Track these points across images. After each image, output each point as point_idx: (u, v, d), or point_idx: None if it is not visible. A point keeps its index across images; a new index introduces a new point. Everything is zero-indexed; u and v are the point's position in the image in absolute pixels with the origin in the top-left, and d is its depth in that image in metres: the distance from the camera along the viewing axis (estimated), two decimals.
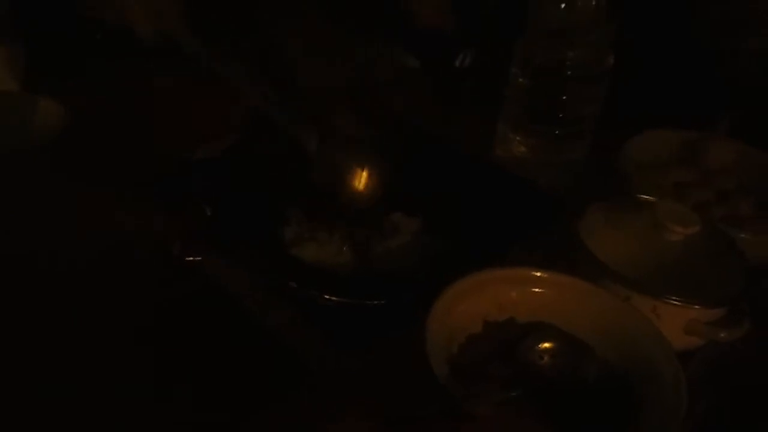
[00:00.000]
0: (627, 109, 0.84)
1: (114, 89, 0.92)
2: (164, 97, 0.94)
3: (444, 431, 0.51)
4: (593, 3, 0.78)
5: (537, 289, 0.59)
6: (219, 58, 0.76)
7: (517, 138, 0.86)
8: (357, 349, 0.61)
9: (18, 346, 0.58)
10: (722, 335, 0.59)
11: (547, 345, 0.56)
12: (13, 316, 0.61)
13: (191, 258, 0.59)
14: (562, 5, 0.79)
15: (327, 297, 0.67)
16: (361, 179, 0.75)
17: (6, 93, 0.89)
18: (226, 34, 0.94)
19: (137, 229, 0.71)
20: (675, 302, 0.58)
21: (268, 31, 0.94)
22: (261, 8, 0.95)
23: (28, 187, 0.74)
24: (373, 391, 0.58)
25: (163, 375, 0.58)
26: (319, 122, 0.86)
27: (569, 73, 0.80)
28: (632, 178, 0.75)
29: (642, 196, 0.69)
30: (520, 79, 0.83)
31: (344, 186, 0.74)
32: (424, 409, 0.52)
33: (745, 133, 0.87)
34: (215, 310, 0.62)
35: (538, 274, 0.59)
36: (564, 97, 0.81)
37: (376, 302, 0.68)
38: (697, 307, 0.59)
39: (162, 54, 0.82)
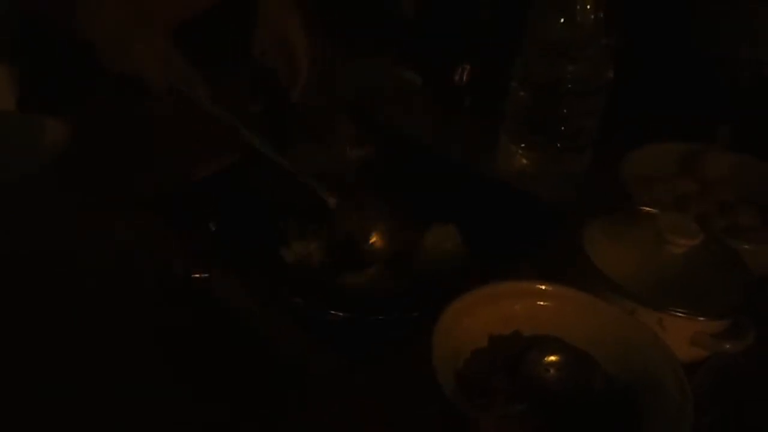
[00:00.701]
0: (627, 117, 0.85)
1: (113, 107, 0.93)
2: (165, 115, 0.94)
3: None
4: (592, 17, 0.79)
5: (542, 303, 0.59)
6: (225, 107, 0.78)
7: (519, 151, 0.86)
8: (357, 357, 0.62)
9: (24, 355, 0.59)
10: (727, 347, 0.59)
11: (552, 358, 0.56)
12: (22, 328, 0.61)
13: (198, 275, 0.59)
14: (561, 20, 0.79)
15: (333, 313, 0.68)
16: (375, 239, 0.77)
17: (7, 113, 0.89)
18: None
19: (140, 246, 0.71)
20: (680, 314, 0.59)
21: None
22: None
23: (34, 206, 0.75)
24: (373, 392, 0.58)
25: (165, 377, 0.58)
26: (320, 137, 0.87)
27: (569, 86, 0.81)
28: (633, 191, 0.76)
29: (644, 208, 0.69)
30: (521, 93, 0.84)
31: (361, 244, 0.77)
32: (425, 410, 0.52)
33: (746, 141, 0.87)
34: (218, 316, 0.62)
35: (543, 287, 0.59)
36: (564, 111, 0.82)
37: (380, 317, 0.68)
38: (702, 319, 0.59)
39: None
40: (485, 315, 0.58)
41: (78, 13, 0.77)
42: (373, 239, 0.76)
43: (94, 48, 0.76)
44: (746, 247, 0.68)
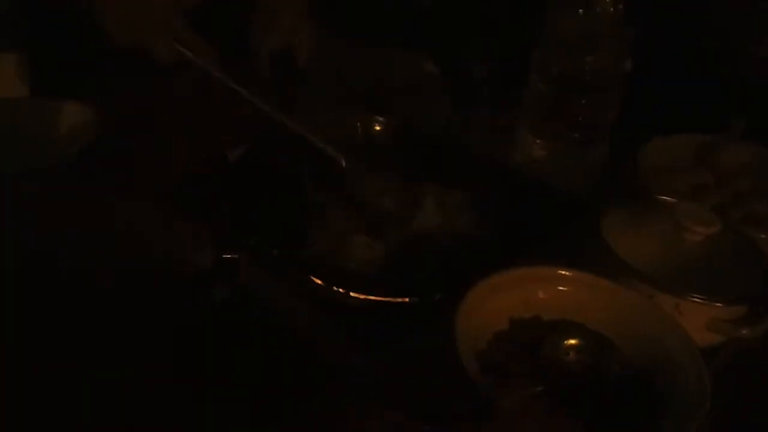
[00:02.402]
0: (645, 109, 0.86)
1: (125, 93, 0.93)
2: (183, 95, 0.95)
3: (469, 427, 0.52)
4: (611, 9, 0.79)
5: (562, 288, 0.60)
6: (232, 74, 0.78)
7: (537, 142, 0.87)
8: (383, 349, 0.62)
9: (47, 357, 0.59)
10: (744, 332, 0.60)
11: (572, 342, 0.57)
12: (36, 322, 0.62)
13: (228, 255, 0.60)
14: (581, 11, 0.80)
15: (353, 295, 0.69)
16: (388, 203, 0.78)
17: (23, 99, 0.90)
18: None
19: (162, 232, 0.72)
20: (697, 300, 0.60)
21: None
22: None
23: (54, 193, 0.75)
24: (400, 388, 0.59)
25: (193, 378, 0.58)
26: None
27: (587, 78, 0.82)
28: (650, 181, 0.77)
29: (662, 197, 0.70)
30: (539, 85, 0.85)
31: (372, 209, 0.77)
32: (454, 406, 0.53)
33: (759, 135, 0.88)
34: (245, 315, 0.63)
35: (564, 272, 0.60)
36: (582, 102, 0.83)
37: (400, 300, 0.69)
38: (719, 304, 0.60)
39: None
40: (507, 299, 0.59)
41: None
42: (385, 200, 0.77)
43: (103, 26, 0.77)
44: (762, 236, 0.69)
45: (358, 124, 0.87)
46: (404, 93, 0.99)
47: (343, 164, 0.77)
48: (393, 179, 0.79)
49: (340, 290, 0.69)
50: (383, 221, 0.75)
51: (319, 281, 0.69)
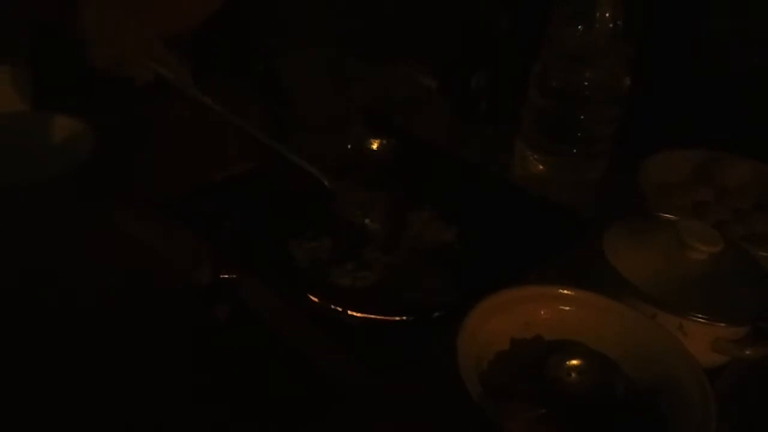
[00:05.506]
0: (644, 124, 0.86)
1: (126, 109, 0.93)
2: (179, 119, 0.95)
3: None
4: (610, 25, 0.80)
5: (564, 307, 0.59)
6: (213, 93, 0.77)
7: (535, 157, 0.87)
8: (383, 368, 0.62)
9: (48, 377, 0.58)
10: (748, 353, 0.60)
11: (574, 362, 0.57)
12: (43, 347, 0.61)
13: (226, 275, 0.59)
14: (580, 27, 0.80)
15: (350, 313, 0.68)
16: (375, 214, 0.77)
17: (21, 113, 0.89)
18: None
19: (162, 251, 0.71)
20: (701, 320, 0.59)
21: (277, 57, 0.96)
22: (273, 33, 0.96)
23: (54, 209, 0.74)
24: (402, 409, 0.58)
25: (196, 398, 0.58)
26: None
27: (587, 93, 0.81)
28: (651, 198, 0.76)
29: (664, 214, 0.70)
30: (538, 99, 0.85)
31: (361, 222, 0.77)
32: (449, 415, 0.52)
33: (758, 150, 0.88)
34: (247, 333, 0.62)
35: (565, 292, 0.59)
36: (582, 117, 0.83)
37: (398, 318, 0.69)
38: (723, 324, 0.60)
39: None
40: (508, 319, 0.58)
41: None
42: (371, 219, 0.76)
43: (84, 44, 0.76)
44: (763, 254, 0.68)
45: (349, 145, 0.86)
46: (403, 107, 0.99)
47: (327, 184, 0.76)
48: (380, 198, 0.78)
49: (338, 309, 0.68)
50: (366, 242, 0.74)
51: (316, 299, 0.69)
